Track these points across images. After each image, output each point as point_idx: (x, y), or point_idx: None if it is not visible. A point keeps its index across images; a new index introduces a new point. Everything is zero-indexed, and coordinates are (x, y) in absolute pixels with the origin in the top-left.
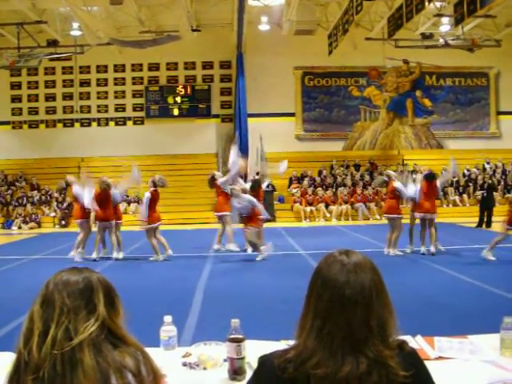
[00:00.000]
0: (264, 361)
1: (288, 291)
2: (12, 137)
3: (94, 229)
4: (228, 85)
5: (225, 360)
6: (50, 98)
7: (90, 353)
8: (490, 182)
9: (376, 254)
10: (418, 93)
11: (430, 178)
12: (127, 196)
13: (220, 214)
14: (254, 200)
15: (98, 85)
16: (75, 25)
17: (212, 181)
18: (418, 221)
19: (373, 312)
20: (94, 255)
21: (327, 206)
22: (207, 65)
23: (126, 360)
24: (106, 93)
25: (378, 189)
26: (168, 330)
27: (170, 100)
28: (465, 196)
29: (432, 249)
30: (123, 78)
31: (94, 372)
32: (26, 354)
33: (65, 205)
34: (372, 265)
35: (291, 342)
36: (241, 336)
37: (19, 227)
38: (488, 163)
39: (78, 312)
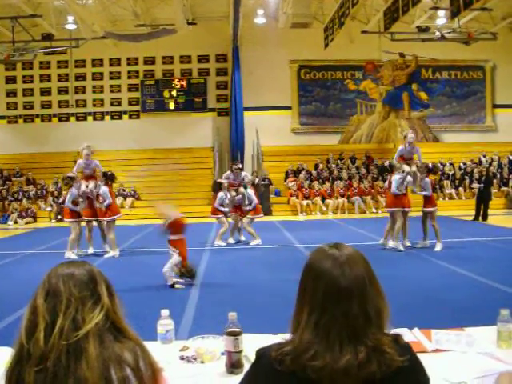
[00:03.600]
0: (261, 354)
1: (285, 284)
2: (7, 131)
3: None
4: (224, 78)
5: (222, 353)
6: (46, 92)
7: (94, 343)
8: (490, 174)
9: (372, 248)
10: (414, 86)
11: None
12: (123, 190)
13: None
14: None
15: (94, 79)
16: (70, 18)
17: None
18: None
19: (369, 301)
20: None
21: (323, 199)
22: (203, 58)
23: (125, 355)
24: (102, 87)
25: (374, 183)
26: (165, 323)
27: (166, 94)
28: (461, 189)
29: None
30: (119, 72)
31: (97, 363)
32: (30, 347)
33: (61, 199)
34: (362, 256)
35: (288, 336)
36: (238, 329)
37: (15, 222)
38: (484, 156)
39: (84, 302)
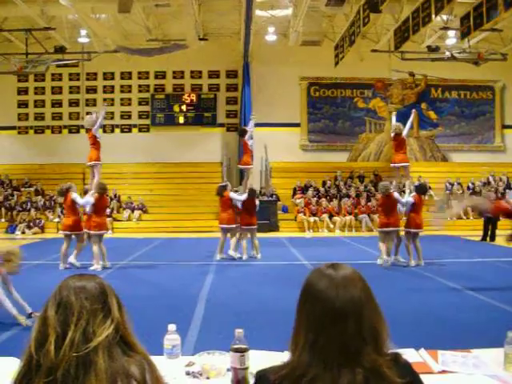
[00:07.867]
0: (260, 376)
1: (291, 302)
2: (18, 142)
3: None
4: (234, 94)
5: (228, 370)
6: (57, 104)
7: (103, 356)
8: (498, 194)
9: (378, 266)
10: (424, 105)
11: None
12: (131, 203)
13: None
14: None
15: (105, 92)
16: (83, 32)
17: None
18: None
19: (364, 322)
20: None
21: (331, 216)
22: (213, 74)
23: (132, 369)
24: (112, 100)
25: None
26: (172, 338)
27: (176, 108)
28: (469, 209)
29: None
30: (129, 86)
31: (106, 376)
32: (40, 358)
33: None
34: (359, 276)
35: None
36: (244, 346)
37: (23, 232)
38: (492, 176)
39: (96, 315)
